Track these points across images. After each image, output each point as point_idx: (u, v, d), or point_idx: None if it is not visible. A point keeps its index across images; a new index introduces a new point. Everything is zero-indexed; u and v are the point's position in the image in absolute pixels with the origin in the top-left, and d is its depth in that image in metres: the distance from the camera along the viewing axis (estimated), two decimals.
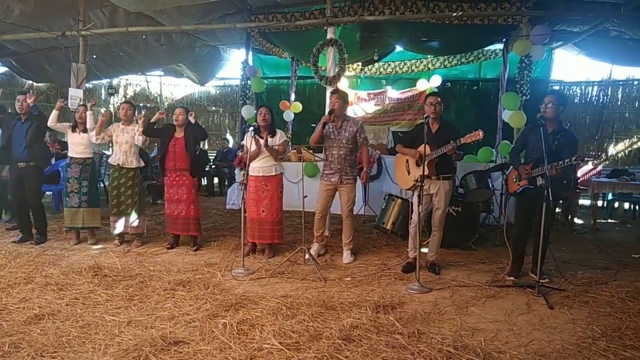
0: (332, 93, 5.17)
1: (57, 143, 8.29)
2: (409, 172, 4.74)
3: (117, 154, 5.55)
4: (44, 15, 6.73)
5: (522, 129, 6.07)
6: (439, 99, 4.54)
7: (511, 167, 4.79)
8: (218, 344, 3.02)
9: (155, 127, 5.61)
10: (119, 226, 5.59)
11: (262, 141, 4.97)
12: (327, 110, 5.25)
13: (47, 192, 8.17)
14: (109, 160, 5.73)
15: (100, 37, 7.23)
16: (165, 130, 5.58)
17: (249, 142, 5.05)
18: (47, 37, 6.97)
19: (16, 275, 4.33)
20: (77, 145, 5.60)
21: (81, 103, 6.34)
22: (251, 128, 5.01)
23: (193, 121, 5.42)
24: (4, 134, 5.75)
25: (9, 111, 6.38)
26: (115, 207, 5.54)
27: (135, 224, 5.61)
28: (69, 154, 5.67)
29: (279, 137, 5.14)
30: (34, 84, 10.82)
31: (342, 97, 5.09)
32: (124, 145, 5.52)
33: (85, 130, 5.59)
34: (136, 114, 5.96)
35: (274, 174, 5.15)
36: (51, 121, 5.63)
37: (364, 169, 5.11)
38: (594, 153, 5.66)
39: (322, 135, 4.98)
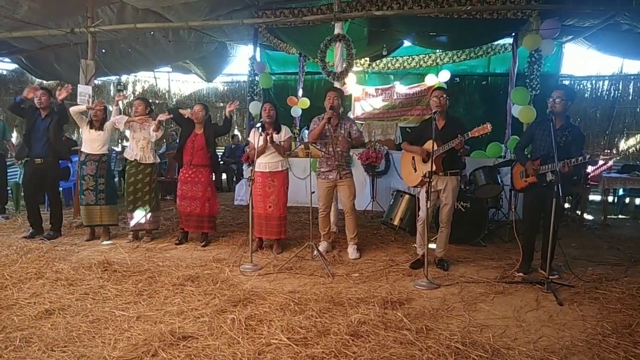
0: (329, 91, 5.15)
1: (63, 142, 8.17)
2: (415, 169, 4.72)
3: (134, 150, 5.56)
4: (52, 12, 6.77)
5: (529, 123, 6.03)
6: (444, 94, 4.52)
7: (515, 162, 4.75)
8: (226, 339, 3.03)
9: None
10: (135, 222, 5.61)
11: (266, 138, 4.97)
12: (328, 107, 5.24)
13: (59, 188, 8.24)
14: (125, 154, 5.74)
15: (108, 34, 7.27)
16: (186, 123, 5.58)
17: (253, 138, 5.07)
18: (56, 33, 7.01)
19: (27, 271, 4.37)
20: (93, 141, 5.57)
21: (90, 100, 6.37)
22: (258, 124, 5.01)
23: (227, 114, 5.45)
24: (25, 129, 5.75)
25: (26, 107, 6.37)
26: (132, 203, 5.55)
27: (152, 219, 5.64)
28: (84, 150, 5.61)
29: (284, 133, 5.16)
30: (43, 81, 10.91)
31: (340, 95, 5.14)
32: (141, 141, 5.53)
33: (101, 128, 5.57)
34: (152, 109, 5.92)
35: (280, 169, 5.16)
36: (74, 110, 5.57)
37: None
38: (608, 151, 5.57)
39: (322, 132, 4.98)
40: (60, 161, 5.99)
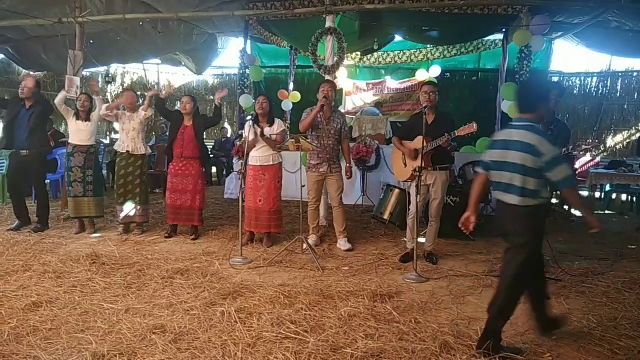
0: (323, 82, 5.18)
1: (51, 135, 8.03)
2: (405, 164, 4.74)
3: (124, 141, 5.51)
4: (39, 1, 6.65)
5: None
6: (434, 88, 4.53)
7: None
8: (216, 332, 3.03)
9: (165, 105, 5.69)
10: (124, 214, 5.57)
11: (258, 131, 4.97)
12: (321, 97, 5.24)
13: (45, 180, 8.13)
14: (115, 147, 5.69)
15: (96, 24, 7.16)
16: (175, 116, 5.54)
17: (247, 131, 5.05)
18: (43, 23, 6.90)
19: (14, 263, 4.33)
20: (81, 132, 5.51)
21: (78, 91, 6.29)
22: (249, 117, 4.99)
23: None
24: (6, 118, 5.71)
25: (10, 98, 6.31)
26: (122, 195, 5.51)
27: (142, 212, 5.60)
28: (72, 142, 5.55)
29: (277, 126, 5.13)
30: (31, 72, 10.73)
31: (333, 87, 5.14)
32: (131, 132, 5.48)
33: (87, 119, 5.52)
34: (140, 100, 5.92)
35: (271, 163, 5.14)
36: (58, 100, 5.55)
37: (347, 164, 5.18)
38: (590, 140, 5.64)
39: (312, 122, 4.98)
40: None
